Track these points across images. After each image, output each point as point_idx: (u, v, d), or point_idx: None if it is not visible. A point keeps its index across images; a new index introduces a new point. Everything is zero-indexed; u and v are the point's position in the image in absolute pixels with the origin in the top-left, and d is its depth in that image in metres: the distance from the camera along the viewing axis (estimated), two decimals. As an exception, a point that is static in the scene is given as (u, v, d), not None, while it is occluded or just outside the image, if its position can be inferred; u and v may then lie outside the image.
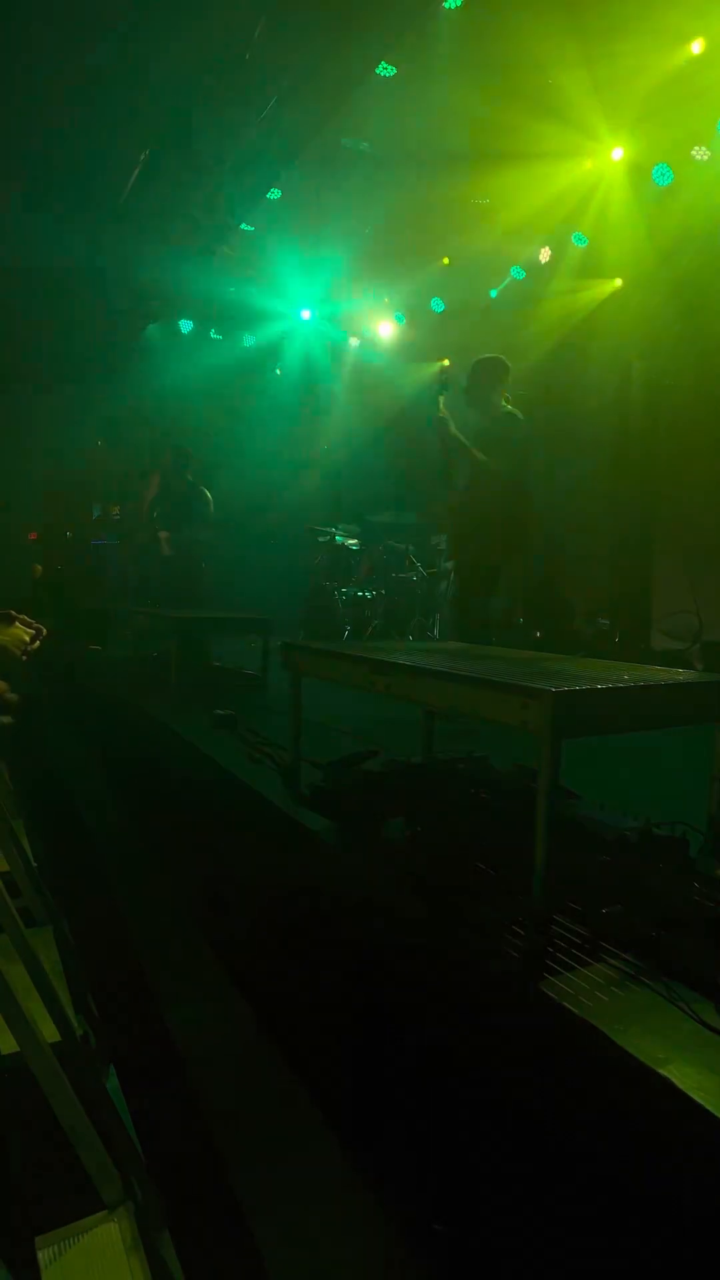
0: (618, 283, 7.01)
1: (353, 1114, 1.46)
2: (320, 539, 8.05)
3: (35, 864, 2.54)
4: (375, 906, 1.75)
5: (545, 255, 7.45)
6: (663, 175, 6.07)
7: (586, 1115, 1.20)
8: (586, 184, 6.65)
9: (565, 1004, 1.28)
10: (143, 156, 6.23)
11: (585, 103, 5.61)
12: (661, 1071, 1.11)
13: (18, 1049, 1.12)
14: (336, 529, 7.98)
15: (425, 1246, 1.18)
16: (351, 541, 7.87)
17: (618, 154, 6.34)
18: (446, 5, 5.08)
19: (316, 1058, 1.62)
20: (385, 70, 5.63)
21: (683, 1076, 1.09)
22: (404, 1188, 1.28)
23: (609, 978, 1.36)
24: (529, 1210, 1.18)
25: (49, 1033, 1.54)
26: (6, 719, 1.54)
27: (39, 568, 9.70)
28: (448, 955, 1.52)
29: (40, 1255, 1.03)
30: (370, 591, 7.27)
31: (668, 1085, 1.09)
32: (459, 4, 5.06)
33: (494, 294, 8.17)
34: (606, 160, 6.43)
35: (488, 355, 4.06)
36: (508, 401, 4.02)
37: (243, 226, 7.77)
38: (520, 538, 4.16)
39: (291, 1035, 1.72)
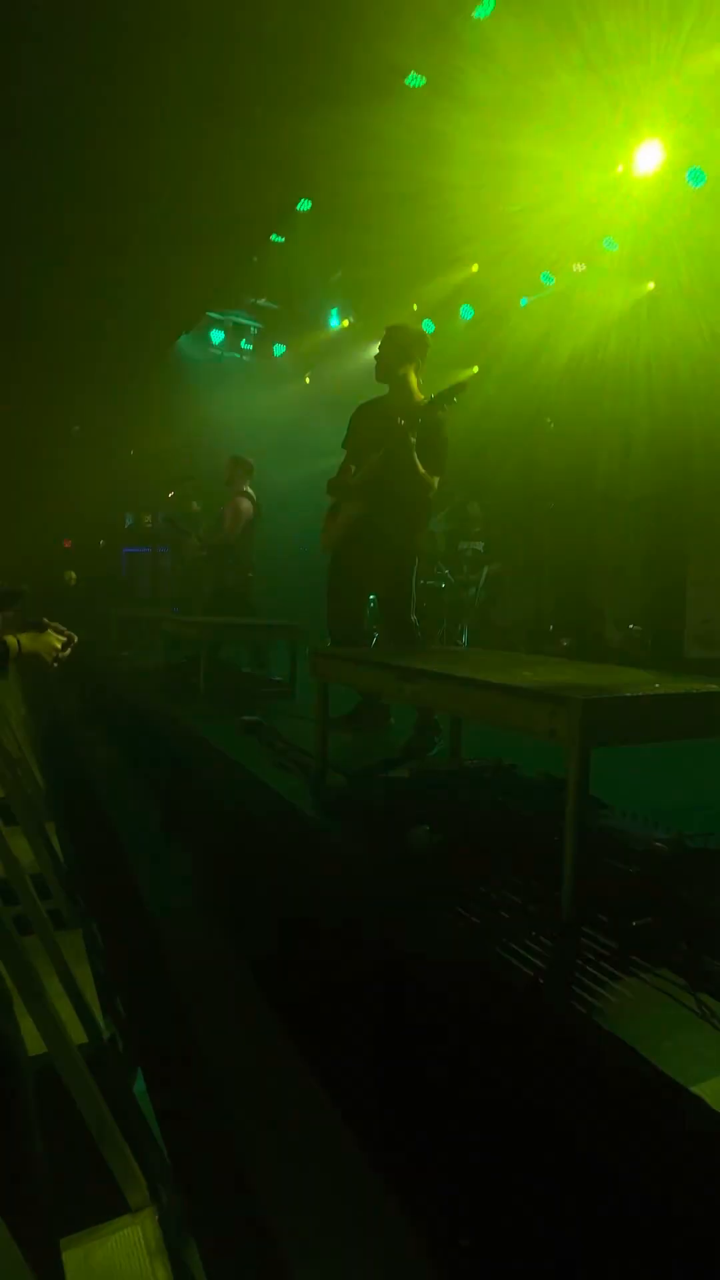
0: (650, 286, 6.94)
1: (376, 1125, 1.44)
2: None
3: (66, 866, 2.58)
4: (399, 915, 1.74)
5: (579, 267, 7.42)
6: (696, 178, 6.01)
7: (616, 1133, 1.17)
8: (618, 188, 6.61)
9: (594, 1018, 1.26)
10: (171, 172, 6.35)
11: (617, 107, 5.58)
12: (693, 1089, 1.08)
13: (46, 1050, 1.13)
14: None
15: (450, 1261, 1.16)
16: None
17: (650, 158, 6.29)
18: (476, 15, 5.10)
19: (340, 1065, 1.62)
20: (415, 80, 5.67)
21: (715, 1095, 1.07)
22: (429, 1201, 1.27)
23: (639, 992, 1.34)
24: (555, 1227, 1.15)
25: (77, 1035, 1.55)
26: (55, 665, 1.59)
27: (73, 575, 9.89)
28: (473, 967, 1.50)
29: (65, 1257, 1.04)
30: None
31: (699, 1104, 1.06)
32: (489, 13, 5.08)
33: (525, 303, 8.15)
34: (639, 164, 6.38)
35: (403, 324, 3.52)
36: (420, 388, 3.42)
37: (273, 238, 7.87)
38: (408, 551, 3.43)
39: (315, 1042, 1.71)
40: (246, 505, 6.12)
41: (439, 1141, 1.38)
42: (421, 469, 3.21)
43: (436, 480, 3.28)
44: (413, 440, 3.15)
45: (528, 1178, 1.23)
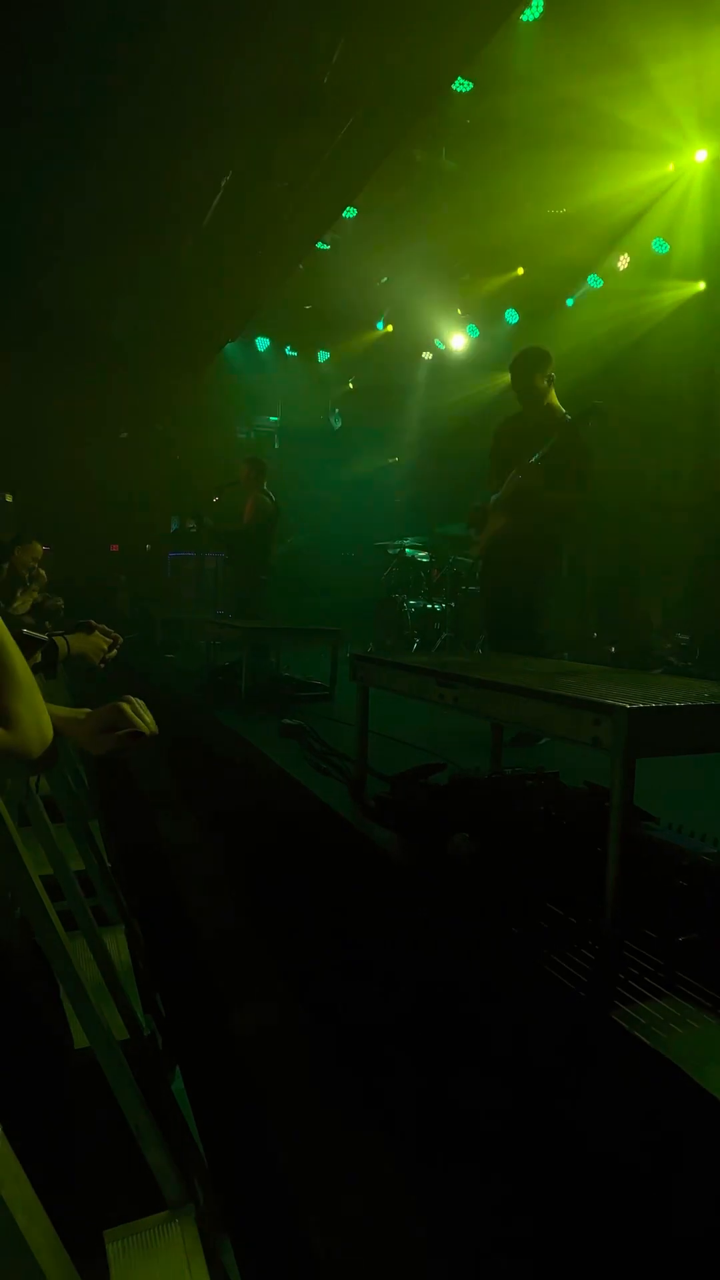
0: (701, 285, 6.80)
1: (414, 1134, 1.43)
2: (390, 552, 8.10)
3: (109, 864, 2.63)
4: (438, 924, 1.73)
5: (624, 263, 7.31)
6: (750, 175, 5.88)
7: (661, 1155, 1.14)
8: (669, 187, 6.50)
9: (638, 1034, 1.23)
10: (224, 181, 6.44)
11: (667, 105, 5.49)
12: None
13: (88, 1044, 1.15)
14: (406, 542, 8.02)
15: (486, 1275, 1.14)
16: (422, 554, 7.89)
17: (702, 155, 6.18)
18: (524, 18, 5.07)
19: (379, 1074, 1.61)
20: (461, 85, 5.66)
21: (765, 1120, 1.03)
22: (464, 1217, 1.25)
23: (685, 1009, 1.30)
24: (593, 1250, 1.13)
25: (118, 1031, 1.58)
26: (101, 665, 1.66)
27: (121, 578, 10.10)
28: (513, 979, 1.48)
29: (109, 1249, 1.05)
30: (439, 604, 7.25)
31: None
32: (536, 16, 5.05)
33: (570, 302, 8.06)
34: (690, 162, 6.27)
35: (532, 346, 3.79)
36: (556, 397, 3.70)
37: (319, 245, 7.92)
38: (549, 565, 3.76)
39: (353, 1047, 1.71)
40: (266, 501, 6.19)
41: (476, 1157, 1.36)
42: (550, 493, 3.49)
43: (578, 496, 3.58)
44: (535, 462, 3.49)
45: (566, 1198, 1.21)
